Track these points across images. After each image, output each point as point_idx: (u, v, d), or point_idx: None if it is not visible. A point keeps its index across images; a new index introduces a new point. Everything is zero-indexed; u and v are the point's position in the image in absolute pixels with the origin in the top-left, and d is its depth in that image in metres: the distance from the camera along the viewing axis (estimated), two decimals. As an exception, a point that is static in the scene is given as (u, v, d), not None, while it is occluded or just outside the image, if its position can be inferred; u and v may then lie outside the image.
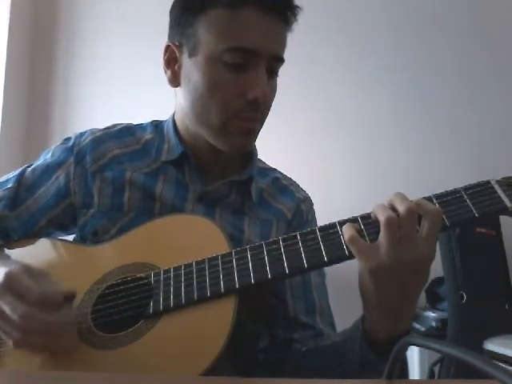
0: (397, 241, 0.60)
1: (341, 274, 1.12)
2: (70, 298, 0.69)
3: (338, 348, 0.74)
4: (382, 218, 0.61)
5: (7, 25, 2.22)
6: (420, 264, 0.62)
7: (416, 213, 0.61)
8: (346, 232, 0.64)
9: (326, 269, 0.82)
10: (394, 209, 0.63)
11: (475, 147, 2.07)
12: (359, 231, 0.64)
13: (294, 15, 0.79)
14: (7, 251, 0.83)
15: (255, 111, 0.77)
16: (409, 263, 0.60)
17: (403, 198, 0.63)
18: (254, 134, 0.82)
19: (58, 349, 0.65)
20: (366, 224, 0.65)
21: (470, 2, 2.13)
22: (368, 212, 0.66)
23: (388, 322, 0.65)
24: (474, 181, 0.67)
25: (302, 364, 0.79)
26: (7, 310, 0.64)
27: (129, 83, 2.27)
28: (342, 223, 0.66)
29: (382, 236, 0.61)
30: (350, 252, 0.64)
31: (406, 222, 0.61)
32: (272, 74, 0.79)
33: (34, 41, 2.37)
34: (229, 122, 0.77)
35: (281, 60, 0.79)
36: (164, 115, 0.93)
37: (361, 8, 2.18)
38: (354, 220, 0.66)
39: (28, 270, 0.68)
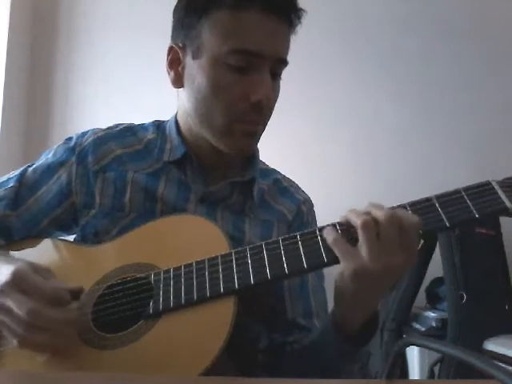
0: (377, 244, 0.61)
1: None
2: (76, 294, 0.69)
3: (315, 344, 0.75)
4: (358, 222, 0.63)
5: (7, 24, 2.22)
6: (402, 268, 0.63)
7: (396, 219, 0.62)
8: (329, 235, 0.65)
9: (326, 270, 0.82)
10: (369, 215, 0.64)
11: (476, 147, 2.06)
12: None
13: (298, 17, 0.79)
14: (9, 252, 0.83)
15: (258, 114, 0.77)
16: (392, 267, 0.62)
17: (380, 206, 0.65)
18: (256, 136, 0.82)
19: (60, 348, 0.65)
20: (342, 230, 0.66)
21: (469, 3, 2.13)
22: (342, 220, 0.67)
23: (360, 315, 0.67)
24: (474, 181, 0.67)
25: (291, 365, 0.79)
26: (14, 306, 0.63)
27: (129, 83, 2.26)
28: (341, 224, 0.67)
29: (361, 239, 0.62)
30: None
31: (387, 227, 0.62)
32: (275, 76, 0.79)
33: (34, 41, 2.37)
34: (232, 125, 0.77)
35: (284, 62, 0.79)
36: (165, 115, 0.93)
37: (361, 8, 2.18)
38: (332, 226, 0.67)
39: (34, 267, 0.68)
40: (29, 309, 0.63)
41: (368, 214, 0.64)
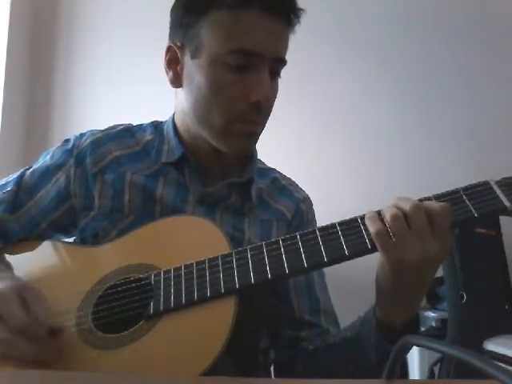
0: (409, 235, 0.61)
1: (340, 275, 1.13)
2: (55, 332, 0.66)
3: (350, 343, 0.74)
4: (387, 215, 0.63)
5: (7, 25, 2.22)
6: (438, 257, 0.62)
7: (422, 208, 0.62)
8: (372, 225, 0.63)
9: (326, 269, 0.82)
10: (396, 208, 0.64)
11: (475, 147, 2.06)
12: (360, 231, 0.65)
13: (297, 17, 0.79)
14: (8, 255, 0.83)
15: (257, 113, 0.77)
16: (428, 257, 0.61)
17: (406, 198, 0.64)
18: (255, 136, 0.82)
19: (60, 348, 0.65)
20: (342, 230, 0.66)
21: (469, 3, 2.13)
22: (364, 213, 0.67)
23: (401, 310, 0.66)
24: (473, 181, 0.67)
25: (311, 363, 0.79)
26: None
27: (129, 83, 2.26)
28: (341, 223, 0.67)
29: (392, 231, 0.62)
30: (350, 252, 0.64)
31: (415, 217, 0.61)
32: (274, 75, 0.79)
33: (34, 41, 2.37)
34: (231, 124, 0.77)
35: (283, 62, 0.79)
36: (165, 116, 0.93)
37: (361, 9, 2.18)
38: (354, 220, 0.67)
39: (21, 290, 0.67)
40: (1, 338, 0.63)
41: (395, 207, 0.64)
